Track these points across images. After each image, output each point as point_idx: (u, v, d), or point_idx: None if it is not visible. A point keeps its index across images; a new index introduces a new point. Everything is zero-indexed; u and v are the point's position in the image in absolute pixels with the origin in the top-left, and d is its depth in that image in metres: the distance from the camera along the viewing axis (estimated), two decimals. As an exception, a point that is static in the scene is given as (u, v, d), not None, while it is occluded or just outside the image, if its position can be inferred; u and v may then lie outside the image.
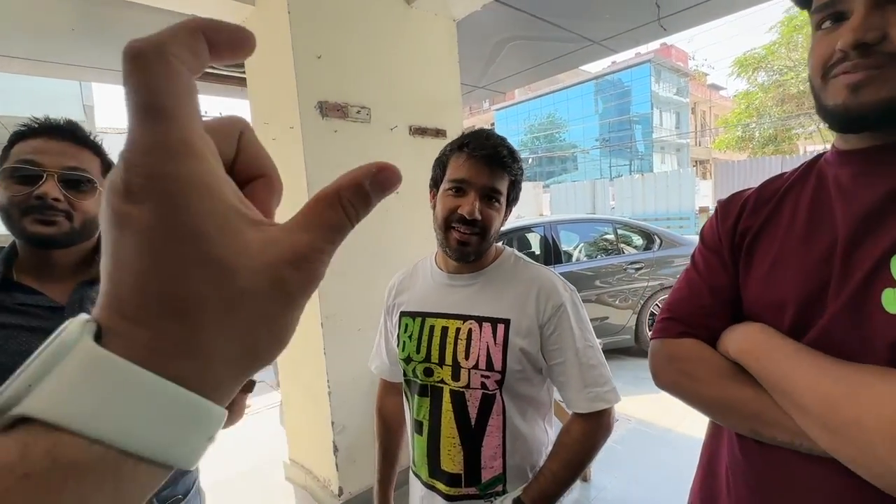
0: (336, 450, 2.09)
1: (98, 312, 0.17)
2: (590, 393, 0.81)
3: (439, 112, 2.47)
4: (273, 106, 2.16)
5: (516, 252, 0.94)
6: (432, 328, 0.87)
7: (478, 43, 3.19)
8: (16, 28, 2.57)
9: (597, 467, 2.39)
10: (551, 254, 4.23)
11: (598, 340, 0.86)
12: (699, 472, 0.72)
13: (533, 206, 10.07)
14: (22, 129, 0.86)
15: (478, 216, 0.82)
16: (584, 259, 4.75)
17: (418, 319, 0.90)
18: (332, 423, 2.07)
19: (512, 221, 5.07)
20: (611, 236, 4.71)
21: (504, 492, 0.84)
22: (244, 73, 2.50)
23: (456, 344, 0.84)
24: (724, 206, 0.73)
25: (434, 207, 0.88)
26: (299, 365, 2.28)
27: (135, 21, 2.52)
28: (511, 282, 0.88)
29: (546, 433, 0.91)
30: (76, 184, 0.85)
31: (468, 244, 0.84)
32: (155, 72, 0.16)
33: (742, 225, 0.68)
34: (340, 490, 2.11)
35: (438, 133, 2.45)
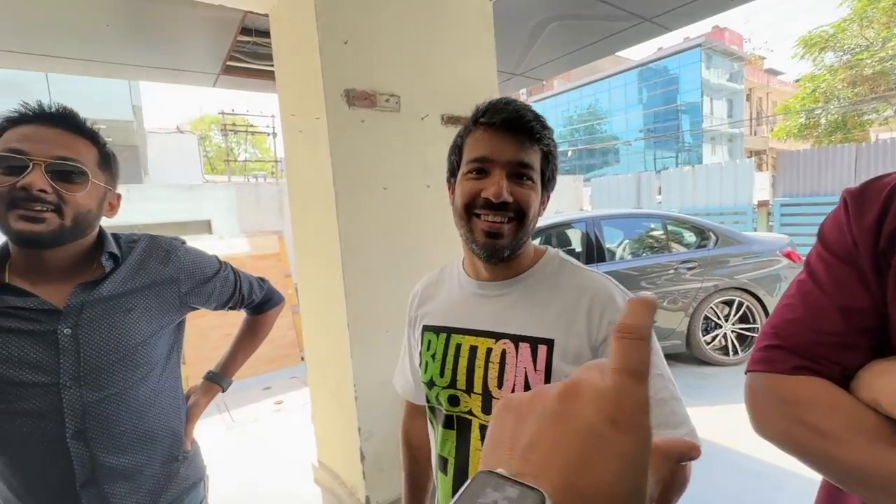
0: (363, 457, 1.99)
1: (552, 492, 0.21)
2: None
3: (474, 99, 2.28)
4: (299, 96, 2.07)
5: (561, 253, 0.77)
6: (458, 347, 0.72)
7: (516, 25, 2.99)
8: (67, 29, 2.62)
9: (646, 488, 2.16)
10: (594, 252, 3.96)
11: (666, 365, 0.68)
12: None
13: (573, 201, 9.66)
14: (12, 115, 0.78)
15: (507, 197, 0.65)
16: (629, 257, 4.44)
17: (443, 336, 0.75)
18: (359, 429, 1.97)
19: (550, 216, 4.82)
20: (659, 232, 4.37)
21: None
22: (273, 66, 2.44)
23: (487, 368, 0.69)
24: (858, 198, 0.53)
25: (453, 202, 0.73)
26: (326, 367, 2.20)
27: (178, 15, 2.51)
28: (556, 291, 0.70)
29: None
30: (67, 175, 0.76)
31: (499, 234, 0.67)
32: (645, 350, 0.24)
33: (891, 225, 0.49)
34: (367, 499, 2.01)
35: (473, 122, 2.29)
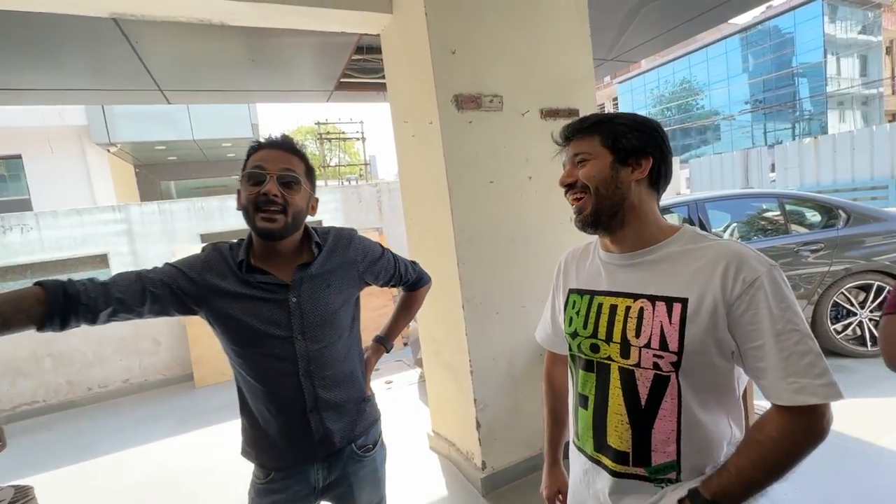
0: (479, 426, 2.20)
1: None
2: (794, 383, 0.70)
3: (571, 91, 2.39)
4: (412, 104, 2.33)
5: (697, 229, 0.87)
6: (600, 306, 0.87)
7: (609, 12, 2.98)
8: (217, 66, 3.19)
9: (767, 475, 2.10)
10: (698, 236, 3.78)
11: (806, 323, 0.75)
12: None
13: (670, 185, 9.04)
14: (253, 144, 1.08)
15: (571, 179, 0.86)
16: (738, 241, 4.14)
17: (586, 297, 0.90)
18: (475, 400, 2.18)
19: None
20: (774, 213, 4.02)
21: (678, 480, 0.80)
22: (383, 78, 2.74)
23: (626, 322, 0.82)
24: None
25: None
26: (441, 344, 2.45)
27: (303, 44, 2.93)
28: (690, 258, 0.81)
29: (730, 430, 0.83)
30: (288, 183, 1.04)
31: (581, 210, 0.86)
32: None
33: None
34: (484, 464, 2.22)
35: (571, 113, 2.37)
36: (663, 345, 0.78)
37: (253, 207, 1.01)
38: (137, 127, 9.17)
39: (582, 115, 2.39)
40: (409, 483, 2.42)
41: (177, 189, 16.59)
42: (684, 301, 0.77)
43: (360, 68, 3.32)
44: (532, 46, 2.26)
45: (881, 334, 0.62)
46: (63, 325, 0.89)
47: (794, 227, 3.91)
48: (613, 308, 0.84)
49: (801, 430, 0.71)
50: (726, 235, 4.34)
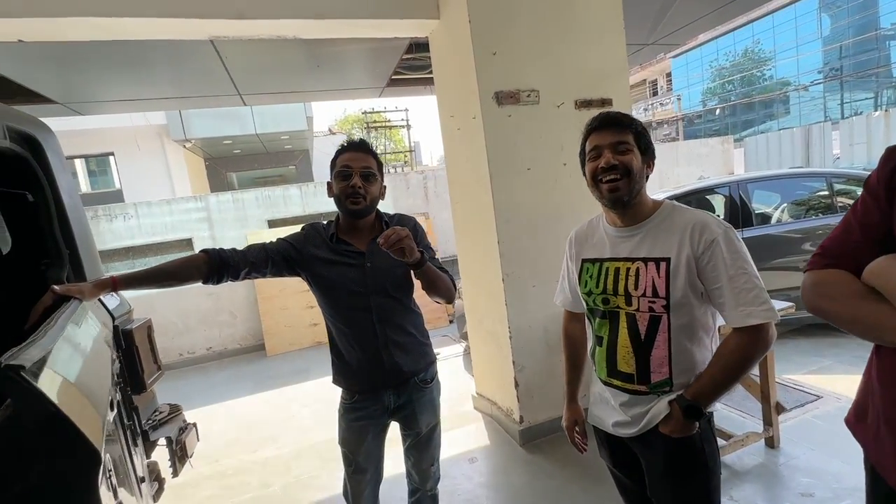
0: (517, 385, 2.51)
1: None
2: (742, 311, 0.97)
3: (604, 81, 2.56)
4: (457, 101, 2.61)
5: (675, 203, 1.12)
6: (608, 269, 1.14)
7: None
8: (275, 71, 3.61)
9: (787, 437, 2.26)
10: (738, 217, 3.81)
11: (754, 268, 1.00)
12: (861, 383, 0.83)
13: (720, 165, 8.68)
14: (340, 146, 1.42)
15: (614, 161, 1.05)
16: (789, 221, 4.11)
17: (597, 264, 1.17)
18: (514, 362, 2.49)
19: (691, 184, 4.67)
20: (824, 193, 3.96)
21: (671, 391, 1.07)
22: (430, 74, 3.03)
23: (627, 279, 1.09)
24: (890, 152, 0.79)
25: (586, 177, 1.14)
26: (484, 315, 2.76)
27: (360, 48, 3.28)
28: (669, 227, 1.07)
29: (711, 351, 1.09)
30: (367, 177, 1.37)
31: (617, 189, 1.06)
32: None
33: None
34: (521, 418, 2.53)
35: (604, 103, 2.55)
36: (655, 293, 1.04)
37: (344, 196, 1.36)
38: (208, 124, 10.10)
39: (616, 104, 2.59)
40: (457, 436, 2.77)
41: (239, 179, 17.86)
42: (667, 260, 1.04)
43: (410, 66, 3.62)
44: (567, 42, 2.46)
45: (801, 288, 0.84)
46: (219, 280, 1.28)
47: (844, 207, 3.84)
48: (617, 270, 1.11)
49: (751, 342, 0.98)
50: (776, 216, 4.30)
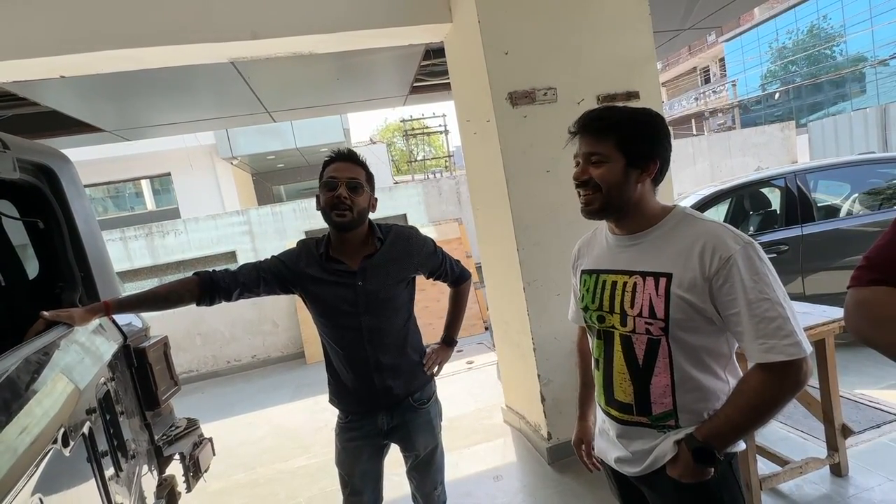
0: (543, 399, 2.37)
1: None
2: (763, 344, 0.81)
3: (629, 73, 2.38)
4: (472, 104, 2.52)
5: (687, 209, 0.97)
6: (605, 282, 1.00)
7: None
8: (298, 86, 3.70)
9: (858, 463, 1.96)
10: (797, 211, 3.44)
11: (783, 293, 0.83)
12: None
13: (781, 154, 7.92)
14: (328, 157, 1.38)
15: (584, 176, 0.93)
16: (862, 213, 3.66)
17: (594, 276, 1.04)
18: (539, 375, 2.35)
19: (744, 176, 4.28)
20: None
21: (677, 427, 0.92)
22: (448, 79, 2.97)
23: (623, 295, 0.95)
24: None
25: None
26: (508, 326, 2.64)
27: (379, 58, 3.28)
28: (674, 238, 0.92)
29: (727, 383, 0.93)
30: (354, 188, 1.32)
31: (589, 203, 0.95)
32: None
33: None
34: (549, 435, 2.39)
35: (630, 96, 2.38)
36: (652, 313, 0.90)
37: (329, 207, 1.32)
38: (252, 141, 10.68)
39: (643, 97, 2.40)
40: (483, 451, 2.67)
41: (286, 191, 18.70)
42: (669, 276, 0.90)
43: (430, 72, 3.58)
44: (586, 34, 2.31)
45: (844, 306, 0.70)
46: (211, 301, 1.28)
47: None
48: (614, 284, 0.98)
49: (775, 382, 0.82)
50: (846, 207, 3.85)
